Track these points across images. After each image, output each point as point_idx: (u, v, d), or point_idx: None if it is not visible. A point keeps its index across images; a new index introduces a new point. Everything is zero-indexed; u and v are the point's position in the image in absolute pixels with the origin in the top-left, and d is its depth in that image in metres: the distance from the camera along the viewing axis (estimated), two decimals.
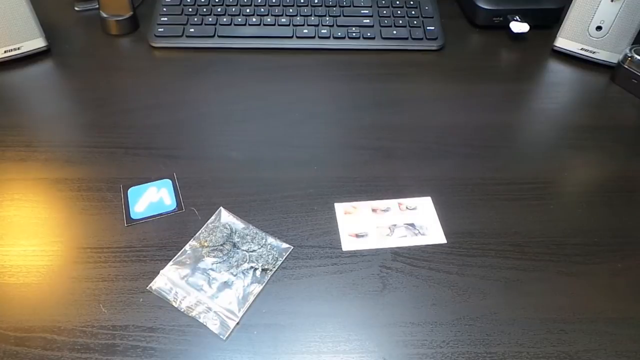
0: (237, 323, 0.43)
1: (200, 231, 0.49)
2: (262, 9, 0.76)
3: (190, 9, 0.76)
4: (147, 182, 0.54)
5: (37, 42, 0.70)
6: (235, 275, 0.46)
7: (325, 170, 0.56)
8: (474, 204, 0.52)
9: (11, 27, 0.67)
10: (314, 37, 0.73)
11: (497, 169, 0.56)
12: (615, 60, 0.69)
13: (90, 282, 0.45)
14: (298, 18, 0.75)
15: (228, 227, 0.49)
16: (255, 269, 0.46)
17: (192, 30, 0.73)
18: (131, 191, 0.53)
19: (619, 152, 0.59)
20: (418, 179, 0.55)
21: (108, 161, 0.56)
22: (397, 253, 0.48)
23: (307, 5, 0.76)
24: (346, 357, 0.41)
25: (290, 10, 0.76)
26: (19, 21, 0.67)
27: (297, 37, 0.73)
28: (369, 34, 0.74)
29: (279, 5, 0.76)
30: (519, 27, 0.74)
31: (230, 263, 0.46)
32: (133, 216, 0.51)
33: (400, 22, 0.75)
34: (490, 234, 0.50)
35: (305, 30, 0.74)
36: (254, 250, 0.47)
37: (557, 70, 0.72)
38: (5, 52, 0.68)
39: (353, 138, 0.60)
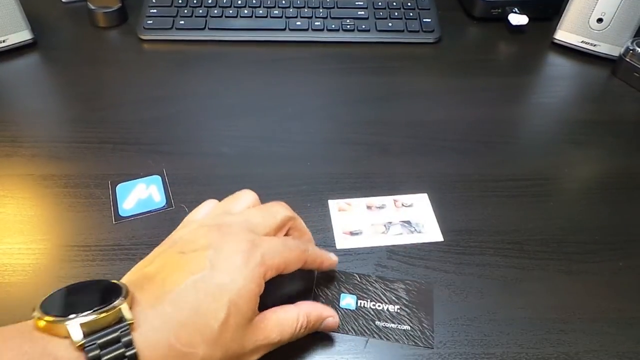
0: None
1: None
2: (254, 1, 0.74)
3: (180, 1, 0.75)
4: (135, 179, 0.53)
5: (23, 35, 0.69)
6: None
7: (318, 166, 0.55)
8: (472, 201, 0.52)
9: None
10: (307, 30, 0.73)
11: (495, 165, 0.56)
12: (616, 54, 0.68)
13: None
14: (291, 10, 0.74)
15: None
16: None
17: (182, 22, 0.73)
18: (119, 188, 0.52)
19: (620, 148, 0.58)
20: (414, 175, 0.54)
21: (96, 157, 0.56)
22: (393, 251, 0.47)
23: None
24: (340, 357, 0.40)
25: (283, 1, 0.75)
26: (4, 13, 0.66)
27: (290, 30, 0.73)
28: (363, 27, 0.73)
29: None
30: (517, 19, 0.73)
31: None
32: (121, 213, 0.50)
33: (396, 14, 0.74)
34: (488, 232, 0.49)
35: (299, 23, 0.73)
36: None
37: (557, 64, 0.71)
38: None
39: (347, 133, 0.59)
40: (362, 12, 0.74)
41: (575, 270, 0.46)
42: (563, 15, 0.71)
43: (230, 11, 0.73)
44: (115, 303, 0.30)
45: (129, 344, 0.29)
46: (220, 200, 0.42)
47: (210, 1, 0.74)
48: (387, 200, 0.52)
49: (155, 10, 0.74)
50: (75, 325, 0.29)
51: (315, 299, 0.43)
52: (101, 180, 0.53)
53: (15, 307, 0.43)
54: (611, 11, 0.66)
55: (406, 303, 0.43)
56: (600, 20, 0.68)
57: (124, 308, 0.30)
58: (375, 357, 0.40)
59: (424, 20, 0.74)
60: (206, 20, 0.73)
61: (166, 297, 0.32)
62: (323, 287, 0.44)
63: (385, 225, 0.49)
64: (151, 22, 0.73)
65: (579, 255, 0.47)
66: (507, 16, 0.74)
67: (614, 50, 0.68)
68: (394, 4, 0.75)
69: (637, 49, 0.65)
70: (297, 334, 0.37)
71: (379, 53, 0.71)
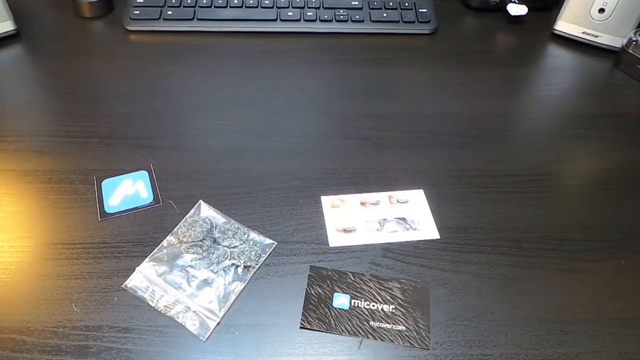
0: (218, 323, 0.42)
1: (178, 226, 0.48)
2: None
3: None
4: (122, 174, 0.53)
5: (6, 26, 0.68)
6: (215, 273, 0.45)
7: (311, 161, 0.55)
8: (469, 197, 0.51)
9: None
10: (299, 20, 0.72)
11: (493, 160, 0.55)
12: (619, 45, 0.67)
13: (61, 280, 0.44)
14: (282, 0, 0.73)
15: (208, 222, 0.48)
16: (237, 266, 0.45)
17: (169, 12, 0.71)
18: (105, 183, 0.52)
19: (622, 142, 0.58)
20: (410, 170, 0.54)
21: (80, 152, 0.55)
22: (388, 249, 0.47)
23: None
24: (333, 359, 0.40)
25: None
26: None
27: (282, 20, 0.72)
28: (357, 17, 0.72)
29: None
30: (516, 9, 0.72)
31: (210, 260, 0.46)
32: (107, 210, 0.50)
33: (391, 4, 0.73)
34: (486, 229, 0.49)
35: (290, 13, 0.72)
36: (235, 246, 0.46)
37: (557, 55, 0.71)
38: None
39: (341, 127, 0.59)
40: (356, 2, 0.73)
41: (575, 269, 0.46)
42: (563, 5, 0.70)
43: (220, 1, 0.72)
44: None
45: None
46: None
47: None
48: (382, 196, 0.51)
49: (142, 0, 0.72)
50: None
51: (308, 298, 0.43)
52: (86, 176, 0.52)
53: None
54: (613, 1, 0.65)
55: (401, 303, 0.43)
56: (602, 10, 0.67)
57: None
58: (369, 358, 0.40)
59: (420, 10, 0.73)
60: (195, 11, 0.72)
61: None
62: (315, 286, 0.43)
63: (379, 222, 0.49)
64: (138, 12, 0.71)
65: (579, 253, 0.47)
66: (506, 6, 0.73)
67: (616, 42, 0.68)
68: None
69: None
70: None
71: (374, 44, 0.71)
